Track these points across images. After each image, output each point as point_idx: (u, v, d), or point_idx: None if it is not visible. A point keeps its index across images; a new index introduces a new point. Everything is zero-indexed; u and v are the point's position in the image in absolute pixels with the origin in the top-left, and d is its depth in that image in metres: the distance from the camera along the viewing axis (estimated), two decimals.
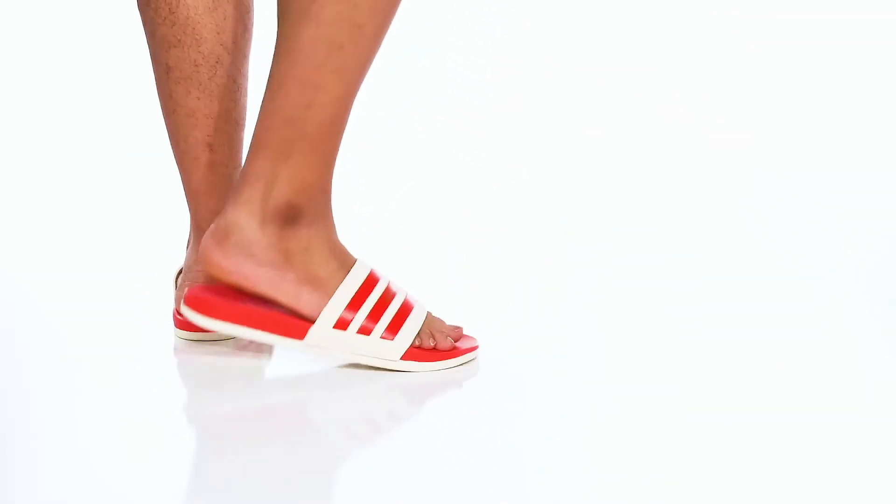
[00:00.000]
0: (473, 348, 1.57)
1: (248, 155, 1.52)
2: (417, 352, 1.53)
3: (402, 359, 1.53)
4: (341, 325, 1.52)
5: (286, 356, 1.60)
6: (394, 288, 1.55)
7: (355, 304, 1.52)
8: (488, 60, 3.07)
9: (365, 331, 1.52)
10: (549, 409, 1.45)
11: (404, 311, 1.54)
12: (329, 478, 1.27)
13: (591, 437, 1.36)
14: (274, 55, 1.51)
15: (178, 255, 1.88)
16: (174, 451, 1.32)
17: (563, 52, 3.06)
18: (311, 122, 1.49)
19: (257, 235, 1.51)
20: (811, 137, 2.84)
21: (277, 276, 1.51)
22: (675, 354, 1.64)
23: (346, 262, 1.54)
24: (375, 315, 1.53)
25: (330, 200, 1.55)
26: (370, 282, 1.54)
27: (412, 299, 1.56)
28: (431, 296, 1.81)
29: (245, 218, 1.51)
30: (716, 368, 1.58)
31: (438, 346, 1.54)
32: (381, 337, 1.52)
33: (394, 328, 1.53)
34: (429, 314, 1.57)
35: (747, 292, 1.91)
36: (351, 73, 1.50)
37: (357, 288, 1.53)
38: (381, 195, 2.58)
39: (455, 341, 1.56)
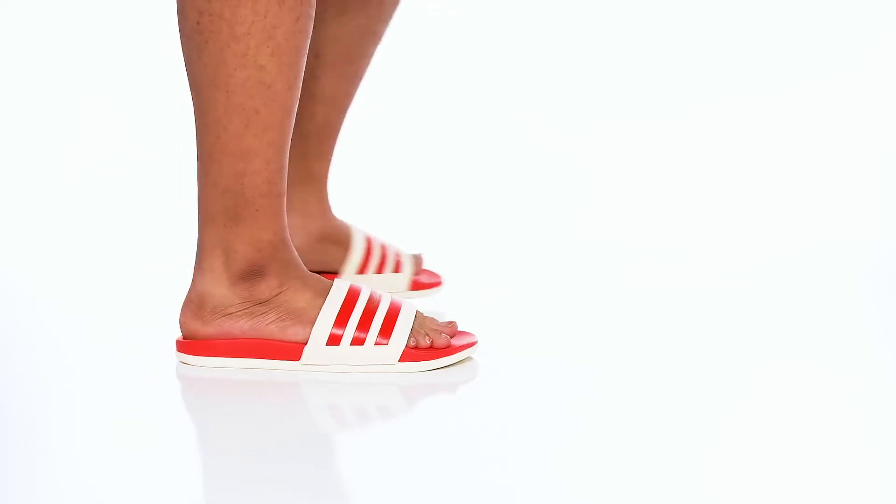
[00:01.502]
0: (472, 344, 1.57)
1: (198, 223, 1.55)
2: (415, 352, 1.54)
3: (400, 361, 1.53)
4: (333, 341, 1.53)
5: None
6: (377, 295, 1.56)
7: (342, 319, 1.53)
8: (488, 60, 3.07)
9: (358, 341, 1.53)
10: (541, 411, 1.45)
11: (392, 313, 1.55)
12: (319, 470, 1.27)
13: (582, 443, 1.36)
14: (196, 127, 1.52)
15: (176, 254, 1.88)
16: (171, 443, 1.32)
17: (562, 53, 3.06)
18: (249, 189, 1.51)
19: (229, 297, 1.54)
20: (810, 139, 2.84)
21: (259, 323, 1.54)
22: (673, 359, 1.64)
23: (322, 289, 1.55)
24: (365, 324, 1.53)
25: (290, 243, 1.56)
26: (352, 295, 1.55)
27: (398, 301, 1.57)
28: (428, 296, 1.81)
29: (212, 285, 1.54)
30: (717, 371, 1.58)
31: (435, 343, 1.54)
32: (376, 344, 1.53)
33: (386, 332, 1.53)
34: (419, 313, 1.57)
35: (749, 295, 1.91)
36: (274, 134, 1.51)
37: (340, 304, 1.54)
38: (379, 192, 2.58)
39: (451, 337, 1.56)
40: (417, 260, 1.86)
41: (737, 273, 2.02)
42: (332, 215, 1.84)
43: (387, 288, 1.79)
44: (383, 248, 1.85)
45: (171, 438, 1.35)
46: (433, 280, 1.86)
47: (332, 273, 1.81)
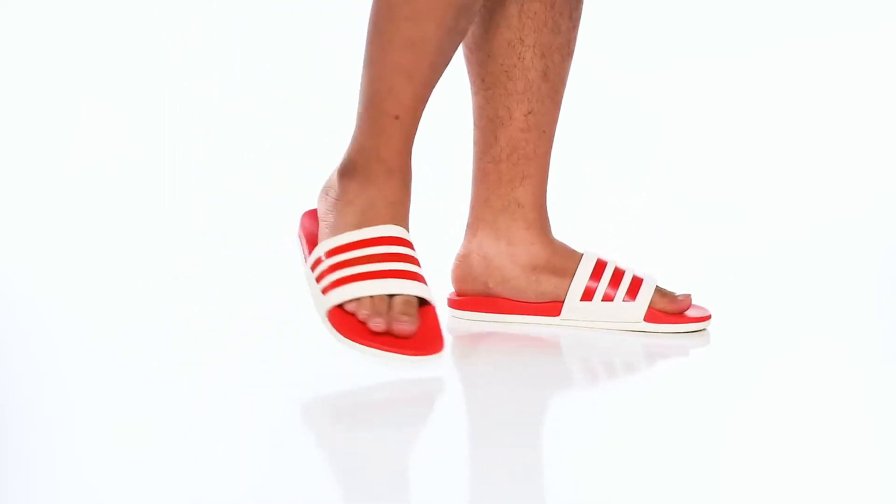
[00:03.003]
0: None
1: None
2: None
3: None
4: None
5: (294, 355, 1.59)
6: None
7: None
8: None
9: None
10: (539, 417, 1.45)
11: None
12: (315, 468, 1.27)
13: (578, 443, 1.36)
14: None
15: (176, 254, 1.88)
16: (170, 443, 1.32)
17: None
18: (365, 94, 1.58)
19: (333, 181, 1.61)
20: (810, 142, 2.84)
21: (322, 212, 1.61)
22: (679, 355, 1.64)
23: (371, 218, 1.57)
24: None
25: (390, 170, 1.58)
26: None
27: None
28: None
29: (335, 170, 1.63)
30: (731, 370, 1.59)
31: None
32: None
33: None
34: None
35: (755, 298, 1.91)
36: (433, 56, 1.56)
37: None
38: None
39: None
40: (665, 292, 1.71)
41: (743, 271, 2.02)
42: (550, 242, 1.74)
43: (618, 320, 1.70)
44: (617, 274, 1.71)
45: (169, 438, 1.35)
46: (682, 312, 1.71)
47: (558, 302, 1.72)
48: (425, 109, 1.61)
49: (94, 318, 1.78)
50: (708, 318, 1.69)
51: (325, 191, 1.61)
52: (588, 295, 1.70)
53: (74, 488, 1.22)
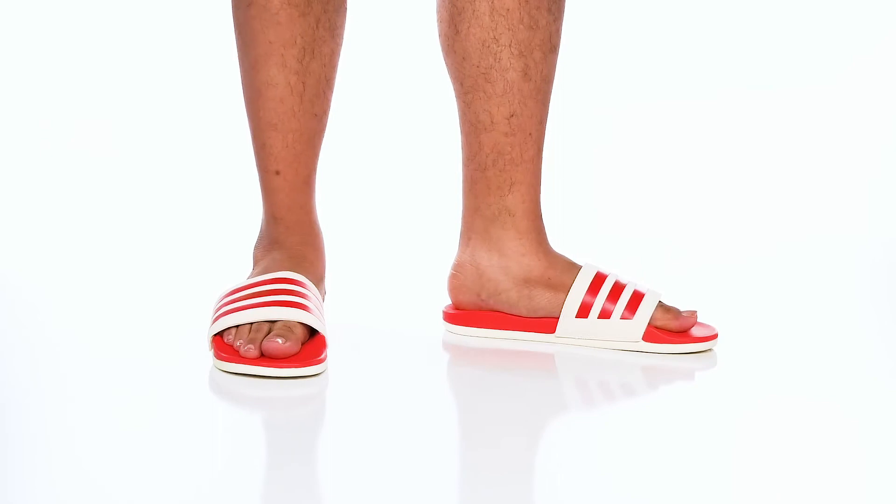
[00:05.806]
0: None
1: None
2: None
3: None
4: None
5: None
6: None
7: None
8: None
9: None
10: (536, 421, 1.45)
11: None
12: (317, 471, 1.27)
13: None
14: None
15: (175, 254, 1.87)
16: (166, 442, 1.33)
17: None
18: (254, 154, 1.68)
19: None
20: (813, 134, 2.84)
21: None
22: (675, 363, 1.64)
23: (270, 271, 1.61)
24: None
25: (288, 227, 1.63)
26: None
27: None
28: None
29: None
30: (722, 373, 1.59)
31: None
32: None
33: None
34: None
35: (757, 299, 1.91)
36: (280, 121, 1.62)
37: None
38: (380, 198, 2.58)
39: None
40: (668, 308, 1.62)
41: (738, 267, 2.02)
42: (546, 253, 1.65)
43: (615, 338, 1.61)
44: (616, 289, 1.62)
45: (169, 438, 1.35)
46: (685, 329, 1.62)
47: (552, 318, 1.64)
48: (317, 162, 1.64)
49: (93, 318, 1.78)
50: (714, 337, 1.61)
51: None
52: (584, 311, 1.61)
53: (74, 488, 1.22)
